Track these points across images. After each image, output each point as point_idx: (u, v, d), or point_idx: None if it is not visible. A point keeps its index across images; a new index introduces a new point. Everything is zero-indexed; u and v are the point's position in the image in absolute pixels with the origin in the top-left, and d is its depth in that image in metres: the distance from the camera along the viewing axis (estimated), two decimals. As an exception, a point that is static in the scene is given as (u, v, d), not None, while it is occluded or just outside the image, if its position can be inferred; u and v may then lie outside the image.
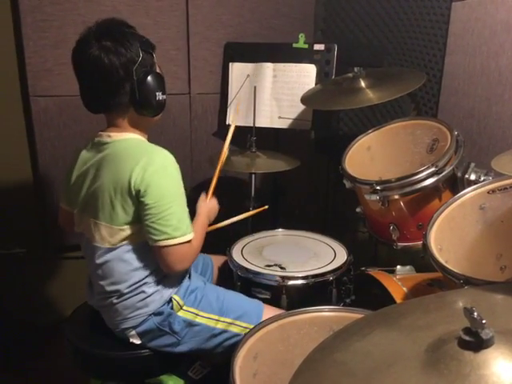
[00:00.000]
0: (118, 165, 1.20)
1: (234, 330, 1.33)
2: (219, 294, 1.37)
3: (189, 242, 1.21)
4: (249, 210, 1.99)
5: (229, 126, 1.83)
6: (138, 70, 1.18)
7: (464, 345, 0.62)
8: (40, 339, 2.02)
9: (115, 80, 1.17)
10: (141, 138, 1.28)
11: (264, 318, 1.31)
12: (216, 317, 1.32)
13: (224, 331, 1.32)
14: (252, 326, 1.29)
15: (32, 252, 2.03)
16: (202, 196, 1.50)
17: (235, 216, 1.60)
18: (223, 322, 1.32)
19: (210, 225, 1.47)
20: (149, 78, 1.20)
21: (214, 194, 1.54)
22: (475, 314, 0.61)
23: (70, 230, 1.38)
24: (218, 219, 1.51)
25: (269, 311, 1.36)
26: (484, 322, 0.60)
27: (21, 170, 2.01)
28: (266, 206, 1.65)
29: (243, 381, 0.96)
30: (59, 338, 1.40)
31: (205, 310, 1.32)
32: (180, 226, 1.19)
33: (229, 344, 1.33)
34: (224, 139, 1.64)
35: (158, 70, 1.27)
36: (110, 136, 1.25)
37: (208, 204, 1.48)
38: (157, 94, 1.23)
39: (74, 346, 1.35)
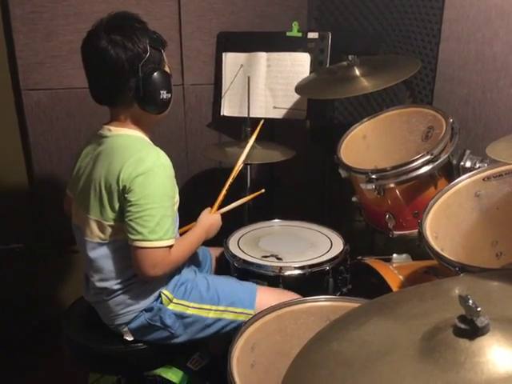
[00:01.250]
0: (111, 160, 1.19)
1: (229, 317, 1.32)
2: (210, 283, 1.36)
3: (165, 248, 1.18)
4: (245, 203, 1.99)
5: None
6: (144, 66, 1.17)
7: (459, 333, 0.62)
8: (38, 333, 2.02)
9: (120, 74, 1.17)
10: (141, 135, 1.26)
11: (259, 299, 1.33)
12: (208, 306, 1.31)
13: (218, 320, 1.32)
14: (246, 310, 1.32)
15: (29, 247, 2.03)
16: (207, 209, 1.46)
17: (232, 203, 1.55)
18: (216, 310, 1.32)
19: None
20: (154, 75, 1.19)
21: (221, 209, 1.49)
22: (470, 301, 0.61)
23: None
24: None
25: (264, 292, 1.36)
26: (479, 309, 0.60)
27: (15, 164, 2.00)
28: (263, 190, 1.63)
29: (241, 372, 0.97)
30: (58, 333, 1.40)
31: (196, 301, 1.31)
32: (157, 230, 1.15)
33: (226, 331, 1.33)
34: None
35: (166, 68, 1.25)
36: (110, 130, 1.24)
37: (210, 218, 1.43)
38: (161, 92, 1.21)
39: (72, 341, 1.35)
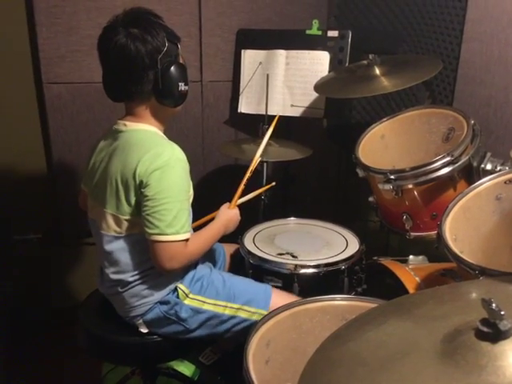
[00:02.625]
0: (127, 155, 1.20)
1: (243, 315, 1.33)
2: (226, 280, 1.37)
3: (182, 241, 1.19)
4: (260, 200, 1.99)
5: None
6: (162, 59, 1.19)
7: (481, 336, 0.61)
8: (54, 323, 2.05)
9: (140, 68, 1.18)
10: (156, 130, 1.27)
11: (273, 302, 1.33)
12: (224, 303, 1.32)
13: (232, 317, 1.33)
14: (260, 311, 1.32)
15: (47, 238, 2.06)
16: (226, 204, 1.47)
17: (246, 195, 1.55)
18: (231, 307, 1.32)
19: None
20: (173, 67, 1.20)
21: (240, 204, 1.49)
22: (493, 305, 0.60)
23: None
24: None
25: (277, 295, 1.37)
26: (503, 313, 0.59)
27: (35, 156, 2.03)
28: (274, 183, 1.63)
29: (256, 367, 0.97)
30: (73, 322, 1.42)
31: (212, 297, 1.32)
32: (174, 224, 1.17)
33: (238, 329, 1.34)
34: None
35: (181, 62, 1.26)
36: (125, 125, 1.25)
37: (229, 212, 1.43)
38: (179, 84, 1.22)
39: (88, 331, 1.37)
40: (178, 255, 1.20)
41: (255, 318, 1.32)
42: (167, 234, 1.17)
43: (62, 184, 2.04)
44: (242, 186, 1.53)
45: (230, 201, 1.49)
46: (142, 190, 1.17)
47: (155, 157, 1.17)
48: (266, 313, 1.30)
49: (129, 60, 1.17)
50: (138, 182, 1.17)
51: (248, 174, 1.56)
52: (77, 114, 1.98)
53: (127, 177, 1.18)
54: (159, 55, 1.18)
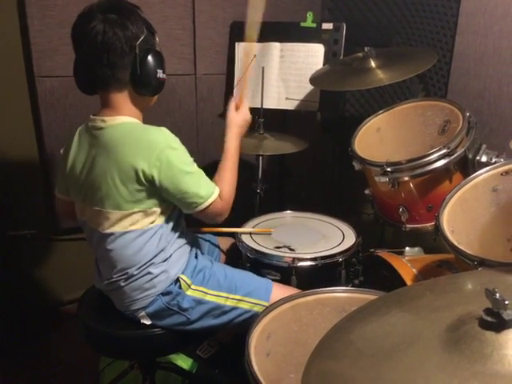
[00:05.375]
0: (118, 153, 1.18)
1: (244, 306, 1.34)
2: (227, 272, 1.38)
3: (217, 197, 1.25)
4: (256, 192, 1.99)
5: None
6: (141, 45, 1.18)
7: (485, 325, 0.62)
8: (51, 318, 2.04)
9: (118, 53, 1.16)
10: (135, 120, 1.25)
11: (273, 295, 1.34)
12: (225, 294, 1.33)
13: (234, 308, 1.33)
14: (262, 302, 1.33)
15: (41, 233, 2.04)
16: (231, 106, 1.45)
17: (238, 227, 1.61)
18: (232, 299, 1.33)
19: (217, 226, 1.48)
20: (151, 54, 1.20)
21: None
22: (497, 294, 0.61)
23: (70, 218, 1.39)
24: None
25: (278, 287, 1.37)
26: (507, 302, 0.60)
27: (27, 151, 2.00)
28: (272, 230, 1.62)
29: (257, 360, 0.97)
30: (70, 318, 1.42)
31: (214, 288, 1.33)
32: (202, 192, 1.23)
33: (239, 320, 1.34)
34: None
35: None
36: (104, 121, 1.22)
37: (239, 117, 1.43)
38: (158, 71, 1.22)
39: (86, 325, 1.37)
40: (221, 208, 1.28)
41: (256, 309, 1.33)
42: (203, 202, 1.23)
43: (55, 180, 2.01)
44: (245, 83, 1.52)
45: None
46: (157, 183, 1.18)
47: (152, 147, 1.16)
48: (267, 304, 1.31)
49: (107, 45, 1.14)
50: (144, 177, 1.16)
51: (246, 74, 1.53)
52: (70, 108, 1.95)
53: (127, 174, 1.17)
54: (137, 41, 1.17)
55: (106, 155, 1.19)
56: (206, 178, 1.26)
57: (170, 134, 1.21)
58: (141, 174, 1.16)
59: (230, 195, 1.32)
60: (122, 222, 1.22)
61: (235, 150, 1.38)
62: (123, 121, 1.22)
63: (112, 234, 1.24)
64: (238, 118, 1.43)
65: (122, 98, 1.23)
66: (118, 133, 1.21)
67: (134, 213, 1.21)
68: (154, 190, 1.20)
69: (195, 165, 1.25)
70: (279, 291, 1.34)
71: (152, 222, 1.24)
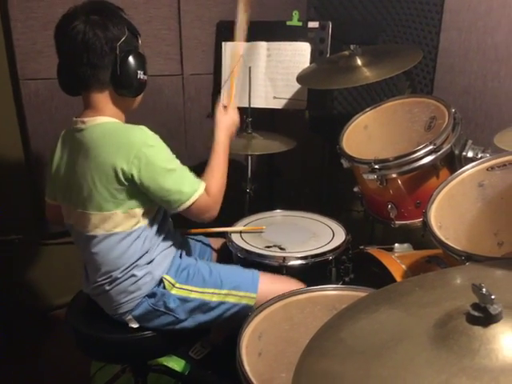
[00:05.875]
0: (98, 153, 1.17)
1: (232, 300, 1.33)
2: (212, 268, 1.37)
3: (202, 193, 1.23)
4: (246, 192, 1.99)
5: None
6: (122, 46, 1.18)
7: (473, 320, 0.63)
8: (39, 324, 2.02)
9: (98, 53, 1.16)
10: (116, 120, 1.24)
11: (261, 285, 1.34)
12: (211, 290, 1.32)
13: (221, 303, 1.33)
14: (249, 294, 1.33)
15: (29, 238, 2.02)
16: (219, 107, 1.45)
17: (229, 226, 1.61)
18: (219, 294, 1.32)
19: (205, 227, 1.45)
20: (132, 55, 1.20)
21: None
22: (484, 289, 0.62)
23: (61, 223, 1.37)
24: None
25: (265, 277, 1.37)
26: (493, 297, 0.61)
27: (13, 155, 1.97)
28: (264, 227, 1.63)
29: (249, 360, 0.97)
30: (61, 322, 1.40)
31: (199, 285, 1.32)
32: (186, 189, 1.21)
33: (228, 315, 1.33)
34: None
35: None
36: (84, 122, 1.21)
37: (226, 118, 1.43)
38: (138, 72, 1.21)
39: (76, 330, 1.35)
40: (208, 205, 1.25)
41: (244, 301, 1.32)
42: (188, 199, 1.21)
43: (43, 183, 1.99)
44: (233, 86, 1.54)
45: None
46: (138, 183, 1.17)
47: (131, 146, 1.15)
48: (254, 295, 1.31)
49: (87, 46, 1.14)
50: (123, 176, 1.16)
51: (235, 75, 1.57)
52: (56, 111, 1.94)
53: (107, 175, 1.16)
54: (118, 42, 1.17)
55: (87, 156, 1.19)
56: (190, 175, 1.24)
57: (148, 132, 1.20)
58: (120, 174, 1.15)
59: (218, 191, 1.29)
60: (104, 224, 1.21)
61: (224, 150, 1.38)
62: (103, 121, 1.22)
63: (96, 236, 1.23)
64: (225, 119, 1.43)
65: (103, 99, 1.22)
66: (98, 133, 1.20)
67: (115, 214, 1.20)
68: (135, 189, 1.19)
69: (177, 161, 1.23)
70: (267, 280, 1.35)
71: (135, 224, 1.23)
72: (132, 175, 1.16)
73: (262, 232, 1.61)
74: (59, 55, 1.22)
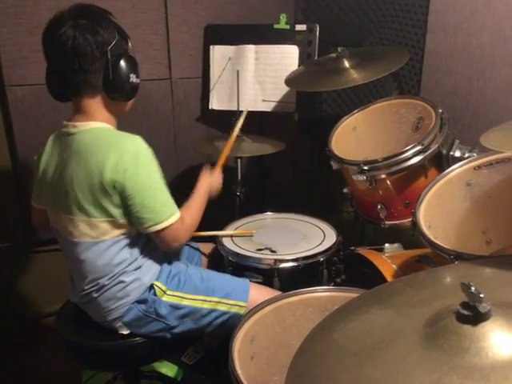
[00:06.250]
0: (87, 159, 1.16)
1: (222, 308, 1.33)
2: (203, 275, 1.37)
3: (177, 220, 1.21)
4: (236, 195, 1.99)
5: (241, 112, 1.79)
6: (112, 50, 1.16)
7: (462, 319, 0.63)
8: (30, 332, 1.99)
9: (89, 58, 1.15)
10: (108, 126, 1.23)
11: (252, 296, 1.34)
12: (202, 297, 1.32)
13: (212, 310, 1.32)
14: (240, 303, 1.33)
15: (17, 246, 1.99)
16: (205, 170, 1.49)
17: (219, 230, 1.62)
18: (210, 301, 1.32)
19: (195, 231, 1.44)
20: (123, 59, 1.19)
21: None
22: (472, 288, 0.62)
23: (46, 228, 1.35)
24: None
25: (256, 288, 1.37)
26: (482, 295, 0.61)
27: (0, 163, 1.95)
28: (254, 231, 1.63)
29: (241, 364, 0.97)
30: (51, 330, 1.39)
31: (190, 292, 1.31)
32: (164, 210, 1.19)
33: (219, 322, 1.33)
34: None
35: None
36: (75, 126, 1.20)
37: (210, 176, 1.48)
38: (131, 75, 1.21)
39: (65, 339, 1.34)
40: (180, 233, 1.24)
41: (234, 310, 1.32)
42: (162, 222, 1.19)
43: (30, 190, 1.96)
44: (224, 154, 1.61)
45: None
46: (120, 192, 1.15)
47: (121, 155, 1.14)
48: (245, 304, 1.31)
49: (77, 51, 1.13)
50: (110, 184, 1.14)
51: (231, 142, 1.68)
52: (42, 117, 1.92)
53: (95, 181, 1.14)
54: (109, 46, 1.16)
55: (76, 161, 1.17)
56: (171, 199, 1.22)
57: (141, 144, 1.18)
58: (104, 181, 1.14)
59: (192, 221, 1.30)
60: (91, 231, 1.20)
61: (203, 194, 1.40)
62: (94, 126, 1.21)
63: (82, 243, 1.22)
64: (209, 179, 1.47)
65: (95, 104, 1.21)
66: (88, 138, 1.19)
67: (101, 222, 1.19)
68: (118, 198, 1.17)
69: (163, 182, 1.21)
70: (257, 290, 1.35)
71: (123, 234, 1.22)
72: (115, 185, 1.14)
73: (252, 236, 1.60)
74: (48, 61, 1.20)
